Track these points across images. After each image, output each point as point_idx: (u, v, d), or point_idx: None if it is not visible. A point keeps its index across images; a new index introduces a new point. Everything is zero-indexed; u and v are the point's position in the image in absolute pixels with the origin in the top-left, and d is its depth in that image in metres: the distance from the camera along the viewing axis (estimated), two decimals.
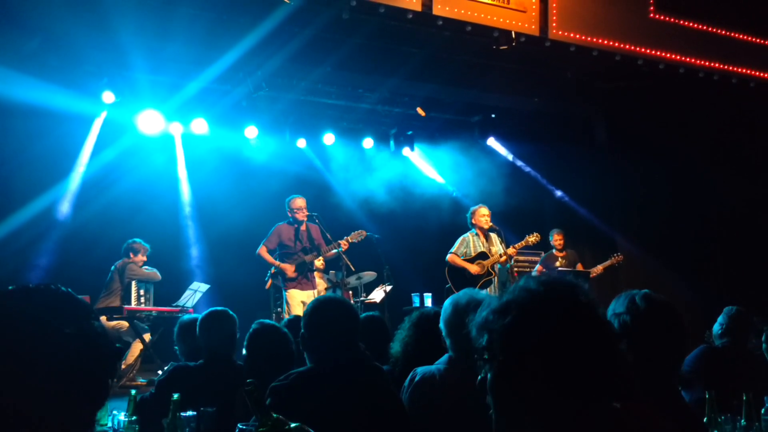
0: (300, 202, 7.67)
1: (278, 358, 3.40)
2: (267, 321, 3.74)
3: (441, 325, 2.98)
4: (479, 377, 1.38)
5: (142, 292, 7.57)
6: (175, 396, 2.62)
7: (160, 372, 6.88)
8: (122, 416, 2.91)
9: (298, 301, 7.45)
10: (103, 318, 7.31)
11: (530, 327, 1.29)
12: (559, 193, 10.20)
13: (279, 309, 7.97)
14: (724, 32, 8.17)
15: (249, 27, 6.73)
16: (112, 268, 7.56)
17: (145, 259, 7.72)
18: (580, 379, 1.27)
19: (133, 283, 7.50)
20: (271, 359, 3.39)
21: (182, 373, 3.51)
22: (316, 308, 2.81)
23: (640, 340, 2.14)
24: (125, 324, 7.27)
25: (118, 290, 7.40)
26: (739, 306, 4.89)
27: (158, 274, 7.70)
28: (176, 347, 4.10)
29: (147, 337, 7.35)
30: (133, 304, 7.34)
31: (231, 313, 3.76)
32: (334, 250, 7.59)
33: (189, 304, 7.55)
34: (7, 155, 7.22)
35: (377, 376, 2.77)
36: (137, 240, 7.74)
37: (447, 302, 2.99)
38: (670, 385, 2.24)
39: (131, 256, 7.66)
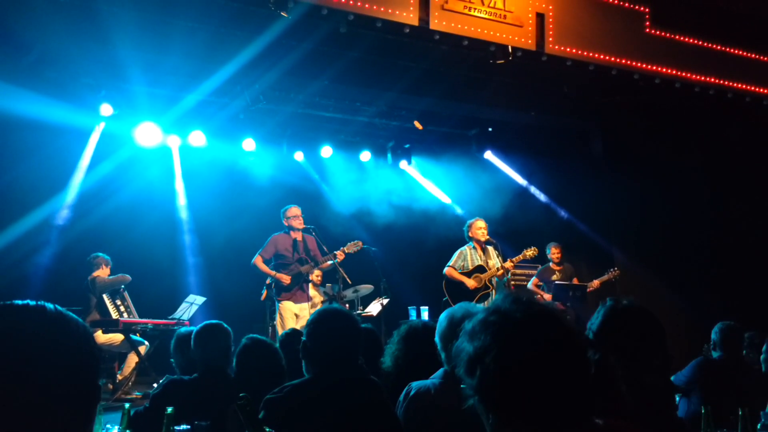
0: (295, 210, 7.67)
1: (268, 373, 3.39)
2: (258, 336, 3.72)
3: (436, 338, 2.97)
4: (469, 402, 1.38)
5: (118, 302, 7.50)
6: (169, 409, 2.61)
7: (155, 385, 6.86)
8: (116, 430, 2.90)
9: (292, 313, 7.42)
10: (98, 331, 7.27)
11: (504, 353, 1.30)
12: (555, 205, 10.21)
13: (274, 322, 7.95)
14: (719, 47, 8.22)
15: (247, 40, 6.75)
16: (84, 285, 7.46)
17: (108, 271, 7.61)
18: (546, 404, 1.28)
19: (105, 296, 7.41)
20: (262, 374, 3.38)
21: (176, 387, 3.50)
22: (322, 318, 2.79)
23: (615, 350, 2.13)
24: (119, 338, 7.22)
25: (94, 305, 7.34)
26: (733, 320, 4.92)
27: (126, 276, 7.56)
28: (172, 360, 4.09)
29: (143, 349, 7.31)
30: (114, 316, 7.27)
31: (226, 326, 3.75)
32: (330, 262, 7.58)
33: (185, 317, 7.52)
34: (5, 168, 7.21)
35: (374, 391, 2.75)
36: (98, 254, 7.63)
37: (442, 316, 2.98)
38: (661, 397, 2.23)
39: (96, 270, 7.54)
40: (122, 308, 7.46)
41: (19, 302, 1.14)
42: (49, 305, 1.16)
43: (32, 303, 1.15)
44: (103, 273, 7.55)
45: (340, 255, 7.52)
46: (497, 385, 1.29)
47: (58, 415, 1.09)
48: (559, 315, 1.37)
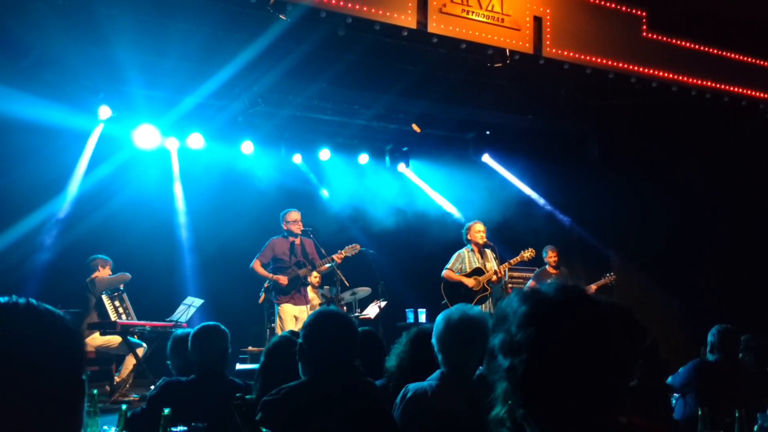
0: (295, 215, 7.66)
1: (294, 372, 3.38)
2: (289, 334, 3.68)
3: (433, 340, 2.97)
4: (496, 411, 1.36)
5: (117, 303, 7.49)
6: (166, 411, 2.61)
7: (152, 387, 6.85)
8: (113, 431, 2.90)
9: (291, 315, 7.42)
10: (95, 333, 7.27)
11: (544, 332, 1.27)
12: (552, 208, 10.23)
13: (273, 324, 7.94)
14: (716, 51, 8.25)
15: (245, 43, 6.76)
16: (83, 286, 7.46)
17: (109, 272, 7.61)
18: (584, 390, 1.26)
19: (104, 297, 7.39)
20: (288, 373, 3.36)
21: (173, 389, 3.49)
22: (318, 320, 2.78)
23: None
24: (117, 340, 7.21)
25: (93, 306, 7.33)
26: (730, 323, 4.94)
27: (126, 274, 7.56)
28: (169, 362, 4.08)
29: (140, 351, 7.30)
30: (112, 318, 7.27)
31: (223, 328, 3.73)
32: (328, 264, 7.59)
33: (183, 319, 7.51)
34: (4, 170, 7.21)
35: (370, 393, 2.75)
36: (98, 256, 7.63)
37: (439, 318, 2.98)
38: (654, 399, 2.25)
39: (98, 270, 7.56)
40: (121, 310, 7.45)
41: (1, 299, 1.12)
42: (22, 300, 1.14)
43: (14, 299, 1.13)
44: (102, 274, 7.54)
45: (338, 258, 7.53)
46: (538, 366, 1.26)
47: (42, 410, 1.08)
48: (598, 300, 1.36)
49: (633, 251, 9.26)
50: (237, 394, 2.86)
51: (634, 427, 1.35)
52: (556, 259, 8.82)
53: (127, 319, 7.42)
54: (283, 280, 7.42)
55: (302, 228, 7.62)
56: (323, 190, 10.44)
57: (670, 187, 9.06)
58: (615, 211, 9.54)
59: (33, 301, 1.16)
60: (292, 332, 4.57)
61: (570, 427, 1.26)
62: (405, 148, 10.47)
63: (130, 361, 7.26)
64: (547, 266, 8.85)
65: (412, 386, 2.89)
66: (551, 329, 1.27)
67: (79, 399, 1.15)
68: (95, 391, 3.48)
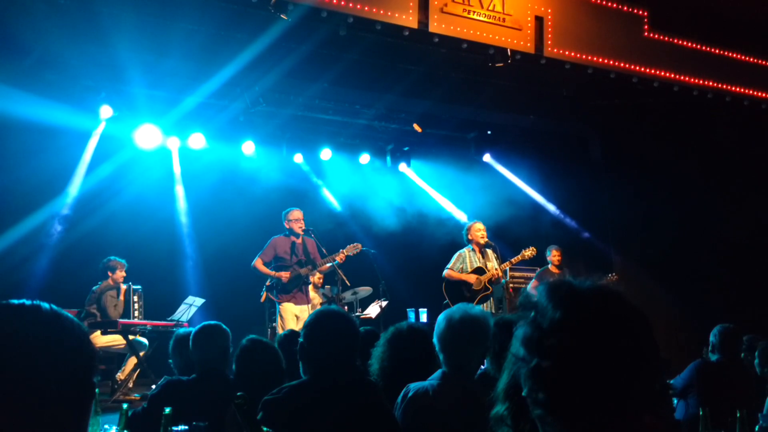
0: (297, 213, 7.66)
1: (268, 375, 3.39)
2: (257, 337, 3.71)
3: (434, 340, 2.98)
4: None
5: (135, 298, 7.51)
6: (167, 410, 2.60)
7: (153, 386, 6.85)
8: (114, 431, 2.90)
9: (292, 314, 7.42)
10: (97, 333, 7.27)
11: (573, 323, 1.23)
12: (554, 208, 10.22)
13: (274, 324, 7.94)
14: (717, 51, 8.24)
15: (246, 42, 6.76)
16: (94, 288, 7.41)
17: (124, 274, 7.57)
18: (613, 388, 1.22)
19: (129, 287, 7.43)
20: (262, 376, 3.37)
21: (175, 388, 3.49)
22: (319, 319, 2.77)
23: None
24: (119, 339, 7.22)
25: (95, 312, 7.33)
26: (731, 323, 4.93)
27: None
28: (171, 361, 4.08)
29: (142, 352, 7.30)
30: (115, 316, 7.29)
31: (224, 327, 3.74)
32: (329, 264, 7.58)
33: (184, 318, 7.51)
34: (5, 170, 7.21)
35: (371, 393, 2.74)
36: (113, 258, 7.55)
37: (441, 317, 2.98)
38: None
39: (110, 275, 7.50)
40: (137, 306, 7.47)
41: (15, 301, 1.14)
42: (45, 304, 1.17)
43: (28, 302, 1.15)
44: (118, 277, 7.51)
45: (339, 257, 7.52)
46: (570, 370, 1.22)
47: (53, 413, 1.09)
48: (636, 306, 1.30)
49: (635, 251, 9.25)
50: (238, 393, 2.86)
51: (647, 428, 1.33)
52: (559, 258, 8.79)
53: (139, 317, 7.44)
54: (285, 276, 7.41)
55: (304, 227, 7.62)
56: (324, 189, 10.44)
57: (672, 187, 9.05)
58: (617, 211, 9.52)
59: (47, 305, 1.17)
60: (292, 331, 4.59)
61: (596, 429, 1.23)
62: (406, 148, 10.47)
63: (131, 361, 7.26)
64: (549, 265, 8.83)
65: (413, 386, 2.88)
66: (586, 335, 1.23)
67: (89, 402, 1.17)
68: (96, 391, 3.48)
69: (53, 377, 1.10)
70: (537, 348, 1.25)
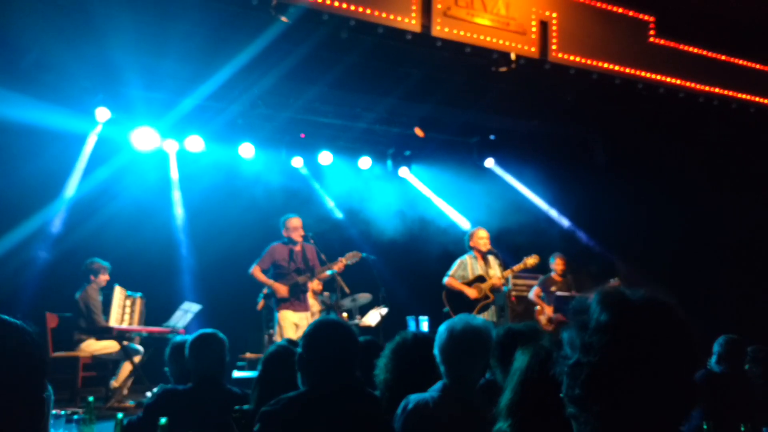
0: (296, 221, 7.57)
1: (291, 381, 3.31)
2: (285, 343, 3.62)
3: (435, 351, 2.97)
4: None
5: (128, 303, 7.41)
6: (163, 420, 2.58)
7: (149, 394, 6.75)
8: None
9: (291, 322, 7.33)
10: (91, 339, 7.17)
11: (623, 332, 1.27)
12: (557, 215, 10.16)
13: (271, 331, 7.84)
14: (724, 57, 8.20)
15: (245, 44, 6.70)
16: (77, 297, 7.27)
17: (107, 277, 7.43)
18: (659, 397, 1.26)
19: (118, 290, 7.32)
20: (285, 382, 3.30)
21: (171, 397, 3.48)
22: (318, 329, 2.75)
23: None
24: (114, 346, 7.12)
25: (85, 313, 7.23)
26: (737, 333, 4.88)
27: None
28: (167, 368, 4.05)
29: (138, 359, 7.20)
30: (116, 316, 7.18)
31: (221, 335, 3.71)
32: (328, 272, 7.49)
33: (180, 325, 7.43)
34: (0, 173, 7.14)
35: (371, 405, 2.72)
36: (95, 260, 7.42)
37: (442, 328, 2.98)
38: None
39: (92, 279, 7.36)
40: (128, 310, 7.36)
41: None
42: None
43: None
44: (101, 280, 7.39)
45: (339, 266, 7.44)
46: (607, 369, 1.25)
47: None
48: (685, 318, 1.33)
49: (639, 257, 9.18)
50: (236, 407, 2.81)
51: None
52: (563, 266, 8.72)
53: (130, 323, 7.34)
54: (282, 289, 7.32)
55: (303, 234, 7.54)
56: (324, 194, 10.37)
57: (677, 193, 9.00)
58: (621, 217, 9.46)
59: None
60: (289, 341, 4.50)
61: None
62: (407, 152, 10.42)
63: (126, 367, 7.17)
64: (552, 273, 8.76)
65: (413, 397, 2.85)
66: (627, 337, 1.26)
67: (39, 415, 1.14)
68: (91, 399, 3.40)
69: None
70: (580, 346, 1.29)
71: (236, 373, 7.51)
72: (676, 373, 1.25)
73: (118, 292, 7.38)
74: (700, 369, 1.36)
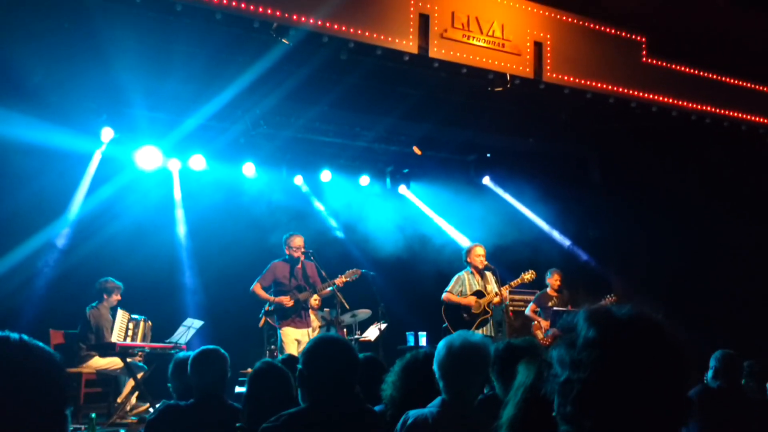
0: (298, 240, 7.63)
1: (279, 399, 3.37)
2: (271, 360, 3.69)
3: (434, 367, 2.95)
4: None
5: (131, 326, 7.49)
6: None
7: (151, 409, 6.80)
8: None
9: (292, 339, 7.39)
10: (94, 357, 7.23)
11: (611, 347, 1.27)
12: (553, 231, 10.23)
13: (272, 347, 7.90)
14: (715, 77, 8.31)
15: (247, 65, 6.81)
16: (87, 312, 7.35)
17: (119, 297, 7.51)
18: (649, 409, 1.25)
19: (121, 313, 7.40)
20: (273, 400, 3.36)
21: (173, 413, 3.48)
22: (318, 346, 2.75)
23: None
24: (118, 362, 7.18)
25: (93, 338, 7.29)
26: (732, 348, 4.89)
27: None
28: (169, 384, 4.07)
29: (141, 375, 7.26)
30: (117, 337, 7.25)
31: (222, 351, 3.72)
32: (329, 289, 7.56)
33: (182, 341, 7.48)
34: (6, 193, 7.21)
35: (371, 421, 2.73)
36: (110, 279, 7.51)
37: (441, 344, 2.96)
38: None
39: (105, 297, 7.45)
40: (130, 333, 7.43)
41: None
42: (14, 335, 1.20)
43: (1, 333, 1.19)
44: (113, 300, 7.48)
45: (339, 282, 7.52)
46: (597, 386, 1.25)
47: None
48: (675, 335, 1.34)
49: (634, 273, 9.24)
50: (237, 424, 2.83)
51: None
52: (559, 282, 8.78)
53: (133, 341, 7.41)
54: (288, 301, 7.39)
55: (304, 251, 7.62)
56: (324, 211, 10.44)
57: (672, 210, 9.07)
58: (616, 234, 9.53)
59: (25, 337, 1.21)
60: (290, 356, 4.57)
61: None
62: (406, 170, 10.50)
63: (129, 384, 7.22)
64: (548, 288, 8.81)
65: (413, 413, 2.86)
66: (615, 353, 1.26)
67: (62, 428, 1.18)
68: (93, 415, 3.48)
69: (22, 404, 1.13)
70: (569, 363, 1.28)
71: (238, 389, 7.56)
72: (665, 387, 1.26)
73: (121, 315, 7.46)
74: (690, 383, 1.36)
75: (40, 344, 1.24)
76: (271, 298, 7.46)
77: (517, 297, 9.16)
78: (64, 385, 1.25)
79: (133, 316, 7.55)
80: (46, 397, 1.19)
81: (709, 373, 4.83)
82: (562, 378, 1.29)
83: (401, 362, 3.25)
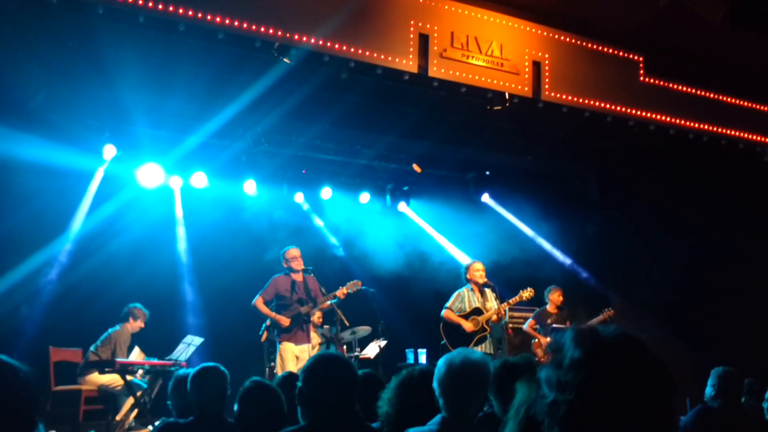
0: (294, 251, 7.68)
1: (270, 417, 3.37)
2: (260, 379, 3.70)
3: (434, 384, 2.95)
4: None
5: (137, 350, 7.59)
6: None
7: (150, 428, 6.78)
8: None
9: (292, 355, 7.38)
10: (94, 373, 7.23)
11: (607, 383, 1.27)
12: (552, 249, 10.24)
13: (272, 364, 7.89)
14: (713, 95, 8.37)
15: (248, 84, 6.87)
16: (110, 331, 7.48)
17: (142, 325, 7.67)
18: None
19: (140, 352, 7.57)
20: (263, 419, 3.36)
21: (172, 431, 3.49)
22: (318, 363, 2.76)
23: None
24: (119, 381, 7.18)
25: (109, 353, 7.32)
26: (732, 366, 4.86)
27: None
28: (169, 402, 4.06)
29: (140, 394, 7.24)
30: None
31: (222, 369, 3.73)
32: (330, 301, 7.56)
33: (182, 358, 7.47)
34: (8, 211, 7.24)
35: None
36: (138, 305, 7.70)
37: (441, 362, 2.97)
38: None
39: (130, 320, 7.62)
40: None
41: None
42: None
43: None
44: (136, 326, 7.62)
45: (340, 294, 7.53)
46: (582, 407, 1.26)
47: None
48: (658, 357, 1.34)
49: (633, 291, 9.25)
50: None
51: None
52: (560, 300, 8.77)
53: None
54: (285, 321, 7.41)
55: (303, 265, 7.64)
56: (324, 228, 10.47)
57: (670, 227, 9.09)
58: (615, 251, 9.54)
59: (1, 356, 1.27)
60: (290, 373, 4.58)
61: None
62: (406, 188, 10.53)
63: (129, 401, 7.21)
64: (548, 306, 8.82)
65: (412, 431, 2.85)
66: (601, 374, 1.26)
67: None
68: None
69: None
70: (556, 384, 1.29)
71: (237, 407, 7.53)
72: (651, 407, 1.26)
73: (137, 353, 7.57)
74: (675, 402, 1.38)
75: (13, 362, 1.28)
76: (271, 314, 7.48)
77: (516, 314, 9.15)
78: (35, 401, 1.29)
79: (148, 357, 7.63)
80: (17, 412, 1.23)
81: (708, 391, 4.80)
82: (550, 399, 1.29)
83: (397, 379, 3.24)
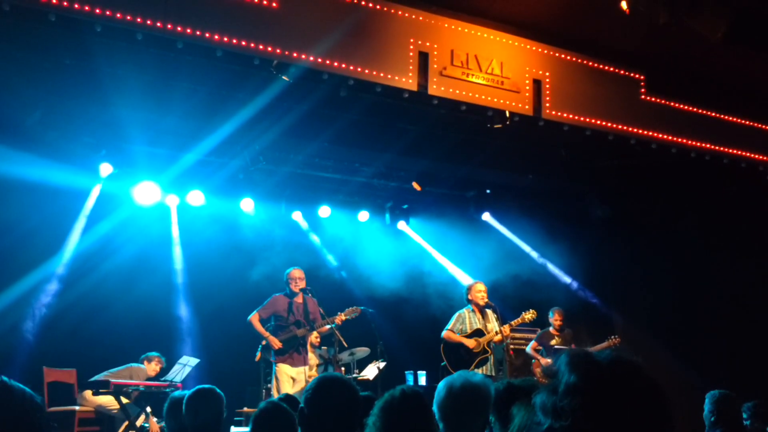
0: (297, 273, 7.62)
1: None
2: (277, 401, 3.64)
3: (434, 408, 2.93)
4: None
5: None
6: None
7: None
8: None
9: (288, 377, 7.29)
10: (88, 392, 7.14)
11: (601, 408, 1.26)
12: (554, 268, 10.18)
13: (269, 385, 7.78)
14: (714, 114, 8.35)
15: (246, 101, 6.84)
16: (129, 365, 7.57)
17: (158, 370, 7.75)
18: None
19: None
20: None
21: None
22: (321, 385, 2.73)
23: None
24: (115, 404, 7.06)
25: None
26: (733, 388, 4.74)
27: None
28: (164, 424, 4.04)
29: (141, 419, 7.13)
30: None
31: (218, 391, 3.71)
32: (328, 326, 7.50)
33: (178, 379, 7.37)
34: (3, 230, 7.18)
35: None
36: (156, 354, 7.84)
37: (441, 385, 2.95)
38: None
39: (145, 363, 7.73)
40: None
41: None
42: None
43: None
44: (150, 370, 7.68)
45: (338, 320, 7.46)
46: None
47: None
48: (655, 379, 1.33)
49: (637, 312, 9.17)
50: None
51: None
52: (561, 321, 8.70)
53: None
54: (277, 344, 7.31)
55: (304, 286, 7.56)
56: (323, 247, 10.40)
57: (673, 247, 9.04)
58: (617, 271, 9.47)
59: (5, 378, 1.27)
60: (287, 396, 4.49)
61: None
62: (405, 206, 10.49)
63: (125, 425, 7.10)
64: (551, 327, 8.73)
65: None
66: (597, 399, 1.25)
67: None
68: None
69: None
70: (551, 411, 1.28)
71: (234, 429, 7.42)
72: (647, 429, 1.25)
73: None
74: (671, 426, 1.35)
75: (20, 386, 1.27)
76: (265, 333, 7.40)
77: (518, 335, 9.07)
78: (43, 425, 1.28)
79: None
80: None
81: (707, 416, 4.61)
82: (545, 426, 1.28)
83: (379, 403, 3.16)
